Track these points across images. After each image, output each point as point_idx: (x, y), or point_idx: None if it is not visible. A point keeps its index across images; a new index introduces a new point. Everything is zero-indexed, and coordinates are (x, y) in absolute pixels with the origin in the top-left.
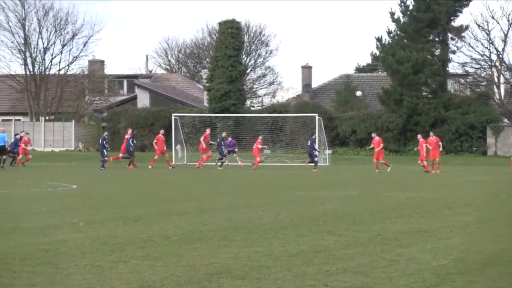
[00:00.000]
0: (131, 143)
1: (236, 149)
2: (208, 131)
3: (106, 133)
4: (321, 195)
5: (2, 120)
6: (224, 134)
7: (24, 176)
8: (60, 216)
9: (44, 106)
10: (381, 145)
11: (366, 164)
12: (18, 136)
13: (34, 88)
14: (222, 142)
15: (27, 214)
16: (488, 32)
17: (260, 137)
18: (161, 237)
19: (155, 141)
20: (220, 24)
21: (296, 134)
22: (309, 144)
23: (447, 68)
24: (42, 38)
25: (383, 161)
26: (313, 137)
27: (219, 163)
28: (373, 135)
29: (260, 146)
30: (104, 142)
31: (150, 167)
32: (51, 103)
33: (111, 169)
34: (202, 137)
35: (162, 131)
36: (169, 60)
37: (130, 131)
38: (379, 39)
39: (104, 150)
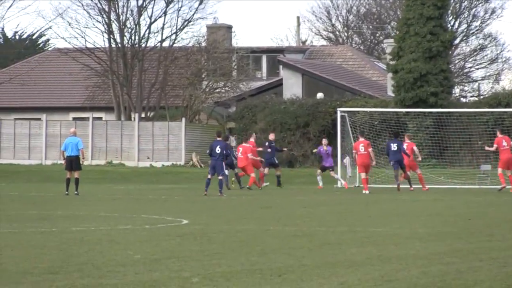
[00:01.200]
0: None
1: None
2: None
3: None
4: None
5: (74, 118)
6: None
7: (108, 206)
8: (163, 268)
9: (139, 97)
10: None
11: None
12: (234, 137)
13: (123, 70)
14: None
15: (112, 264)
16: None
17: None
18: None
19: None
20: None
21: None
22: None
23: None
24: None
25: None
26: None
27: None
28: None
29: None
30: (227, 150)
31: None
32: (149, 93)
33: (246, 194)
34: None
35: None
36: (333, 25)
37: None
38: None
39: (223, 164)
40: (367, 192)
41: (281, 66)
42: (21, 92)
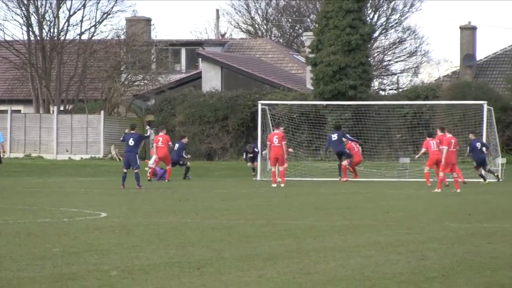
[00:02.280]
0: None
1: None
2: None
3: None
4: (489, 229)
5: None
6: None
7: (26, 199)
8: (81, 261)
9: (58, 89)
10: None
11: None
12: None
13: (42, 62)
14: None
15: (30, 257)
16: None
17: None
18: None
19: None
20: None
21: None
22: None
23: None
24: None
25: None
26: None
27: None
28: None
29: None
30: (140, 143)
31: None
32: (68, 86)
33: (165, 187)
34: None
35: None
36: (252, 18)
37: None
38: None
39: (137, 157)
40: (282, 185)
41: (200, 59)
42: None
